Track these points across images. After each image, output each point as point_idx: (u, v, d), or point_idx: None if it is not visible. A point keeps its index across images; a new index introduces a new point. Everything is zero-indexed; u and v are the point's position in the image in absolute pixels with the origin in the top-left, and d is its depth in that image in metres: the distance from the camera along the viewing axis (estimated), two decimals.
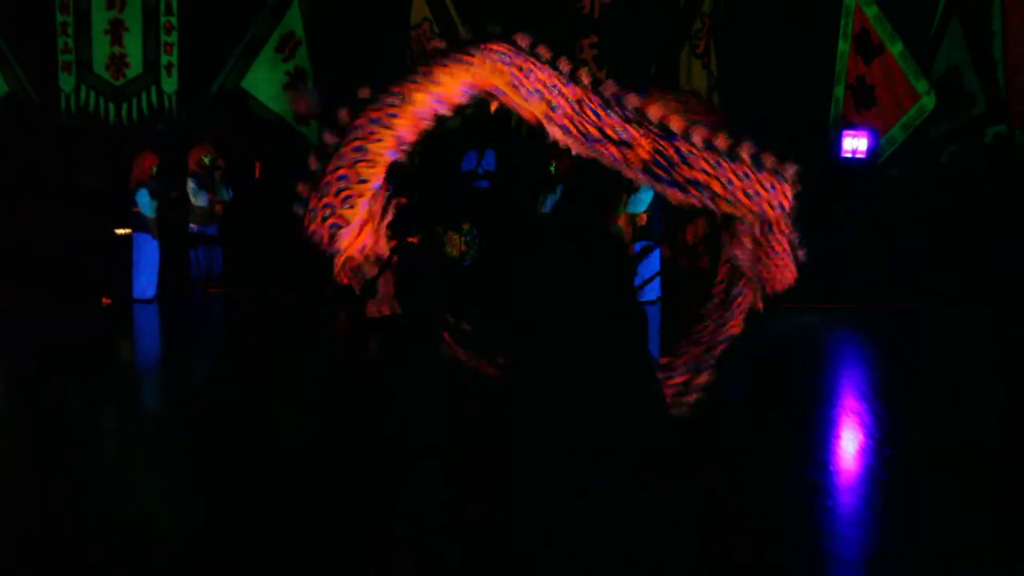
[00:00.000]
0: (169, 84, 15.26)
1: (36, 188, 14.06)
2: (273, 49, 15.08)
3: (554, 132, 4.67)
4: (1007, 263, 13.40)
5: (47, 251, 13.13)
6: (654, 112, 4.55)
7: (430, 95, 4.66)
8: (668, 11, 15.42)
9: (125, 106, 15.24)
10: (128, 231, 13.72)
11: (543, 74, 4.65)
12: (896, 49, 14.90)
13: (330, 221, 4.73)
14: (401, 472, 5.85)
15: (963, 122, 15.14)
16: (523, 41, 4.65)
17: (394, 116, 4.66)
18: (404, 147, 4.69)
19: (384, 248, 5.04)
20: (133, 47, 15.17)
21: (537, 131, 5.22)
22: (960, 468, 6.70)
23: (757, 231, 5.14)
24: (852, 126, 15.30)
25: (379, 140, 4.66)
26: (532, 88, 4.64)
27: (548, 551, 4.15)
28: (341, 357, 9.11)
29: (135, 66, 15.21)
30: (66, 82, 15.08)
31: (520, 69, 4.62)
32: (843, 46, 15.42)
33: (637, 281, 14.12)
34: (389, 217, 5.02)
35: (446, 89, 4.66)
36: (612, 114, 4.55)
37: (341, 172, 4.70)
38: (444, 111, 4.70)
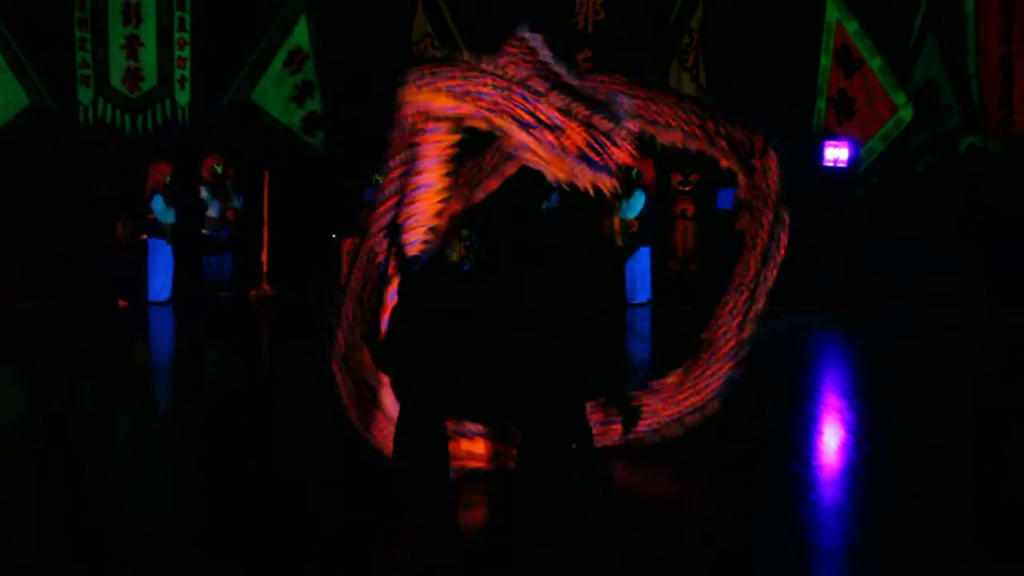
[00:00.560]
0: (182, 97, 15.28)
1: (55, 195, 14.09)
2: (281, 63, 15.10)
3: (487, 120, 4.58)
4: (985, 266, 13.44)
5: (65, 255, 13.15)
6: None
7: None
8: (658, 26, 15.44)
9: (140, 118, 15.25)
10: (144, 236, 13.76)
11: (484, 78, 4.64)
12: (875, 63, 14.92)
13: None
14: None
15: (939, 133, 15.18)
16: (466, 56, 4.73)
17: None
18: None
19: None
20: (148, 61, 15.19)
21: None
22: (938, 463, 6.71)
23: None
24: (834, 137, 15.33)
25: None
26: (465, 90, 4.64)
27: None
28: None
29: (150, 79, 15.22)
30: (84, 95, 15.10)
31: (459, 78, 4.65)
32: (825, 61, 15.45)
33: (629, 284, 14.12)
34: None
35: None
36: (544, 102, 4.42)
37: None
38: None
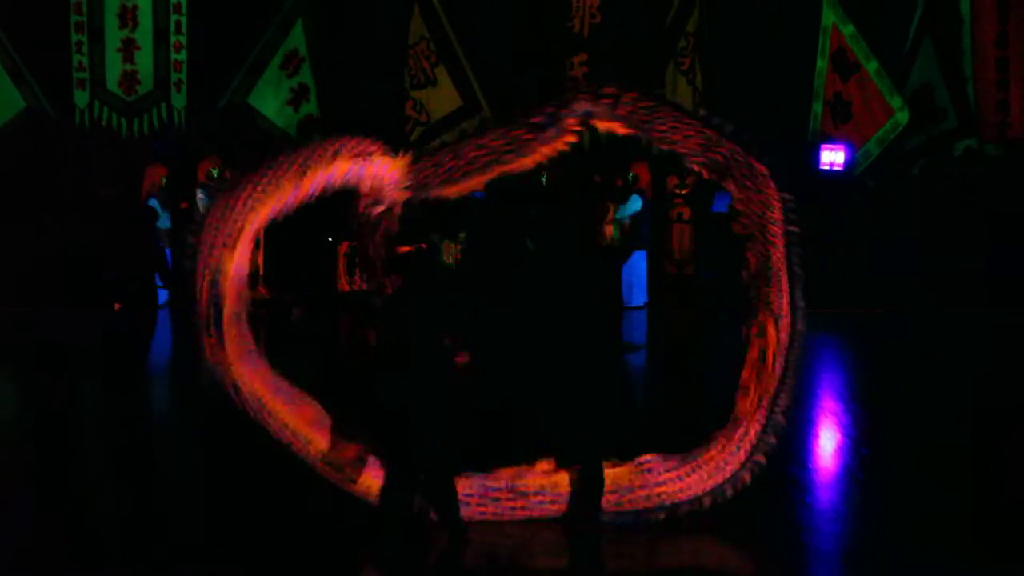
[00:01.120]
0: (179, 100, 15.25)
1: (52, 198, 14.06)
2: (278, 66, 15.08)
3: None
4: (983, 269, 13.41)
5: (62, 257, 13.10)
6: None
7: None
8: (655, 30, 15.42)
9: (137, 121, 15.22)
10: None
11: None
12: (871, 67, 14.91)
13: None
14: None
15: (935, 136, 15.14)
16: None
17: None
18: None
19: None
20: (144, 65, 15.16)
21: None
22: (934, 466, 6.70)
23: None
24: (830, 140, 15.31)
25: None
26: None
27: None
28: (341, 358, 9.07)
29: (146, 83, 15.19)
30: (80, 98, 15.07)
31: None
32: (821, 64, 15.43)
33: (625, 287, 14.03)
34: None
35: None
36: None
37: None
38: None
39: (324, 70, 15.28)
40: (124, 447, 7.22)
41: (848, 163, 15.12)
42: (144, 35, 15.09)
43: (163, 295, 13.35)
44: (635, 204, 13.66)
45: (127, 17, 15.04)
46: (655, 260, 14.11)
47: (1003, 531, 5.52)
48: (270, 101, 15.05)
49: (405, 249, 5.59)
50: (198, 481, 6.21)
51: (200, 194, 13.92)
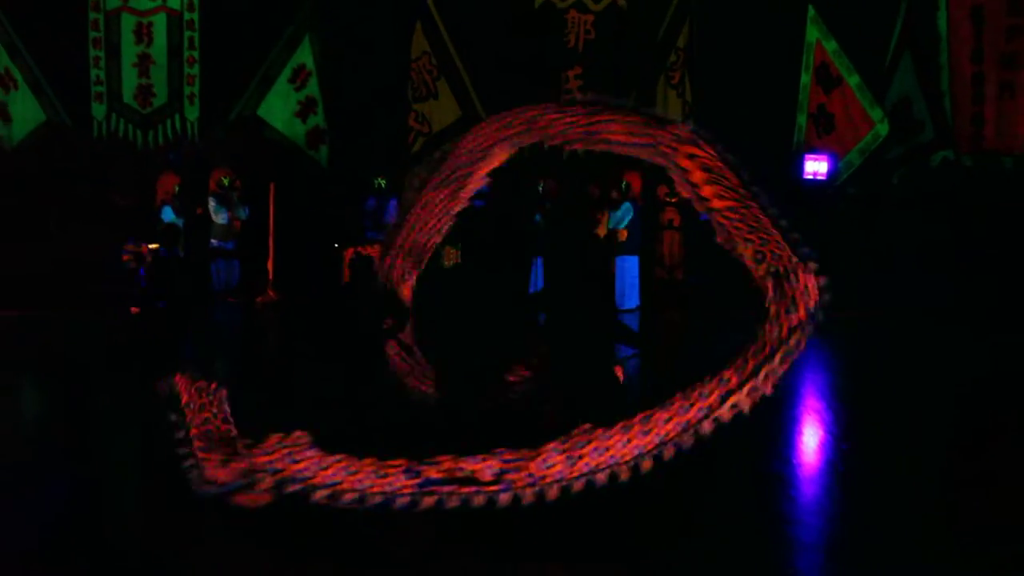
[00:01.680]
0: (191, 112, 15.31)
1: (71, 207, 14.10)
2: (286, 80, 15.14)
3: None
4: (962, 275, 13.49)
5: (80, 263, 13.15)
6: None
7: None
8: (646, 45, 15.49)
9: (152, 132, 15.28)
10: (156, 246, 13.77)
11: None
12: (853, 81, 15.01)
13: None
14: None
15: (913, 147, 15.24)
16: None
17: None
18: None
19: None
20: (159, 78, 15.22)
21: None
22: (912, 461, 6.77)
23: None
24: (813, 150, 15.40)
25: None
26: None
27: None
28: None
29: (161, 96, 15.26)
30: (98, 110, 15.13)
31: None
32: (805, 78, 15.53)
33: (618, 291, 14.10)
34: None
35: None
36: None
37: None
38: None
39: (331, 83, 15.36)
40: (135, 448, 7.23)
41: (831, 172, 15.21)
42: (159, 51, 15.16)
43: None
44: (627, 211, 13.76)
45: (142, 33, 15.11)
46: (646, 265, 14.21)
47: (976, 525, 5.59)
48: (279, 113, 15.10)
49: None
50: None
51: (212, 202, 14.04)
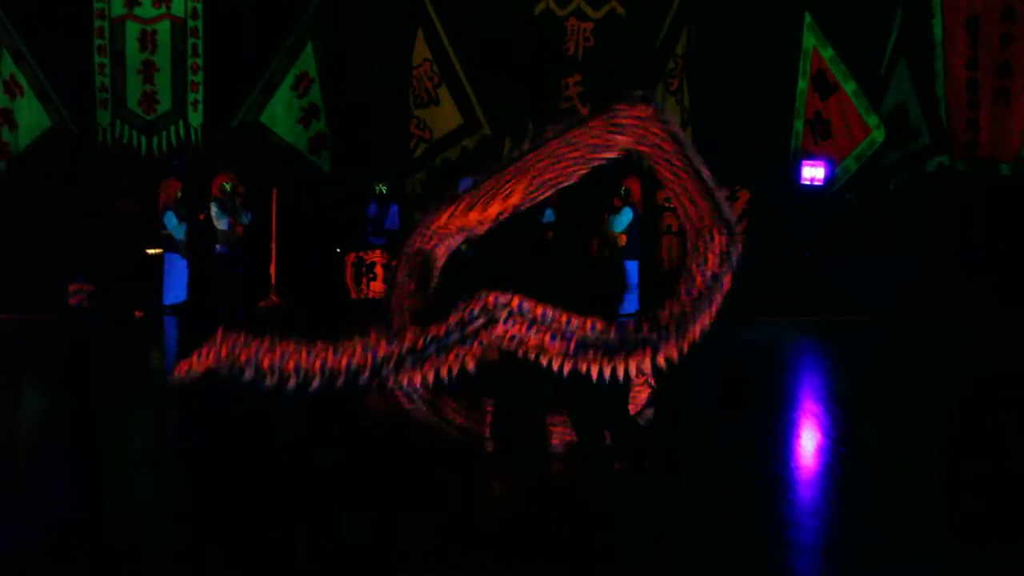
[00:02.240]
0: (195, 118, 15.29)
1: (76, 212, 14.08)
2: (289, 87, 15.14)
3: None
4: (958, 279, 13.48)
5: (86, 268, 13.14)
6: None
7: None
8: (645, 52, 15.48)
9: (156, 138, 15.26)
10: (159, 251, 13.79)
11: None
12: (850, 87, 15.01)
13: None
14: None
15: (909, 153, 15.25)
16: None
17: None
18: None
19: None
20: (163, 85, 15.20)
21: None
22: (909, 464, 6.74)
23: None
24: (811, 156, 15.39)
25: None
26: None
27: None
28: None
29: (165, 102, 15.24)
30: (103, 117, 15.12)
31: None
32: (802, 85, 15.52)
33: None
34: None
35: None
36: None
37: None
38: None
39: (333, 90, 15.35)
40: (137, 449, 7.20)
41: (828, 178, 15.21)
42: (163, 57, 15.15)
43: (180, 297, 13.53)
44: (627, 216, 13.74)
45: (147, 41, 15.10)
46: (645, 269, 14.17)
47: (974, 528, 5.57)
48: (282, 120, 15.10)
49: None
50: (205, 485, 6.18)
51: (214, 207, 13.99)
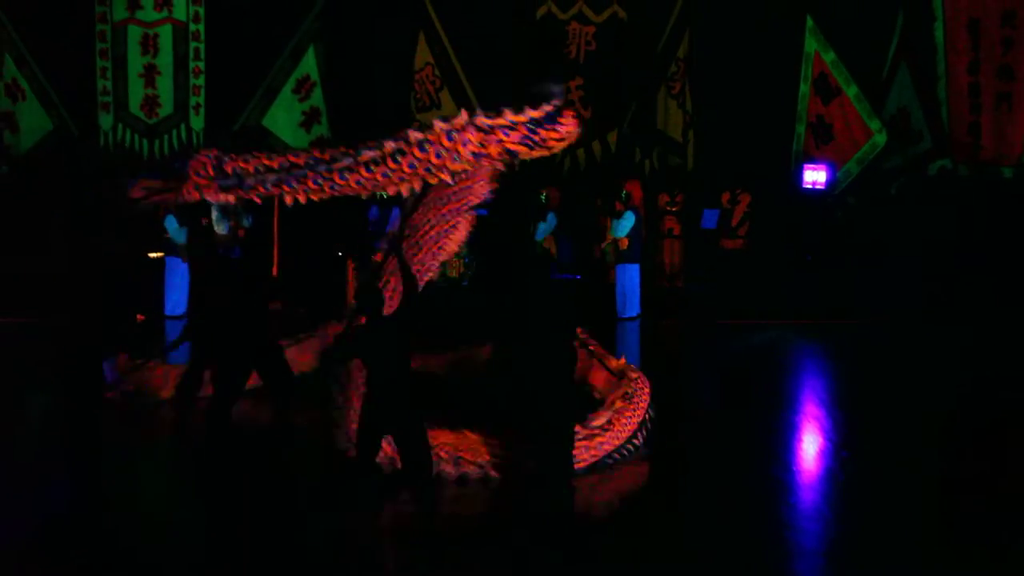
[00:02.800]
0: (197, 122, 15.31)
1: (77, 215, 14.08)
2: (291, 91, 15.16)
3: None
4: (960, 283, 13.45)
5: (86, 271, 13.12)
6: None
7: None
8: (647, 56, 15.47)
9: (157, 142, 15.28)
10: (160, 254, 13.76)
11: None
12: (851, 91, 14.99)
13: None
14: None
15: (911, 157, 15.23)
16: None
17: None
18: None
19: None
20: (165, 89, 15.23)
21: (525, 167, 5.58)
22: (910, 469, 6.72)
23: None
24: (812, 160, 15.37)
25: None
26: None
27: None
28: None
29: (166, 106, 15.26)
30: (105, 120, 15.14)
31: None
32: (804, 88, 15.51)
33: (619, 299, 14.05)
34: None
35: None
36: None
37: None
38: None
39: (335, 94, 15.35)
40: (136, 451, 7.19)
41: (830, 182, 15.19)
42: (164, 61, 15.18)
43: (183, 307, 13.50)
44: (629, 220, 13.70)
45: (148, 45, 15.12)
46: (647, 273, 14.14)
47: (974, 532, 5.55)
48: (283, 123, 15.13)
49: None
50: (204, 486, 6.17)
51: (214, 212, 13.95)
